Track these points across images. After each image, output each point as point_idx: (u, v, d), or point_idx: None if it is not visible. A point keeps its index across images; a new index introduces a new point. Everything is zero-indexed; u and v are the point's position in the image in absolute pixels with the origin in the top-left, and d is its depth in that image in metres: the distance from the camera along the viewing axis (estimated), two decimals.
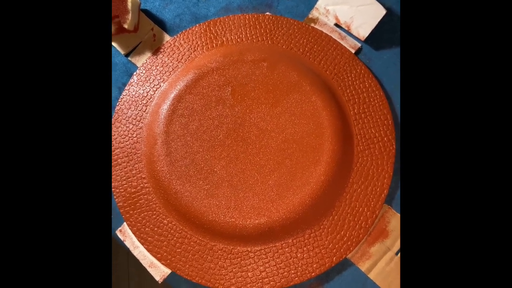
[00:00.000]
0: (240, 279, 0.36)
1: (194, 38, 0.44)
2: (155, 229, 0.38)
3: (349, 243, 0.37)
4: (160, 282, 0.38)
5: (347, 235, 0.37)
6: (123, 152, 0.40)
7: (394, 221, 0.38)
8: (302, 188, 0.37)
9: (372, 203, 0.37)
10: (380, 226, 0.38)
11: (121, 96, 0.42)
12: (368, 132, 0.39)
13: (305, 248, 0.37)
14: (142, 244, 0.38)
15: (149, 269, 0.38)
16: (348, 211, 0.37)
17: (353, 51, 0.42)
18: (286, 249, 0.37)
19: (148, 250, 0.38)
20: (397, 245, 0.37)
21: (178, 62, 0.43)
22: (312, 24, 0.43)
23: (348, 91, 0.41)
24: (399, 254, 0.37)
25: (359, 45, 0.43)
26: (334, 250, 0.37)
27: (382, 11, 0.40)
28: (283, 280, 0.36)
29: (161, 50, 0.44)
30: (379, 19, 0.40)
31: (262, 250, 0.37)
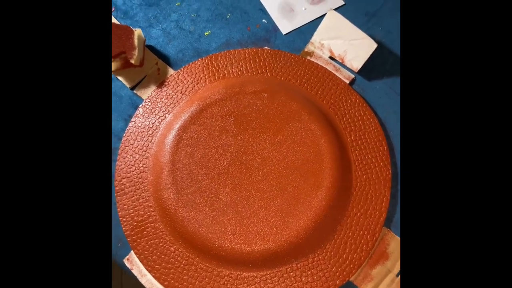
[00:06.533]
0: None
1: (197, 71, 0.46)
2: (162, 256, 0.39)
3: (351, 266, 0.38)
4: None
5: (349, 258, 0.38)
6: (130, 182, 0.42)
7: (393, 243, 0.39)
8: (305, 213, 0.38)
9: (372, 226, 0.39)
10: (380, 248, 0.39)
11: (127, 128, 0.44)
12: (365, 158, 0.41)
13: (309, 272, 0.38)
14: (150, 272, 0.39)
15: None
16: (349, 234, 0.39)
17: (347, 82, 0.45)
18: (291, 273, 0.38)
19: (156, 278, 0.38)
20: (397, 267, 0.38)
21: (182, 94, 0.45)
22: (308, 57, 0.46)
23: (344, 119, 0.43)
24: (399, 276, 0.38)
25: (352, 76, 0.45)
26: (338, 273, 0.38)
27: (374, 45, 0.43)
28: None
29: (166, 83, 0.46)
30: (371, 52, 0.43)
31: (268, 275, 0.38)
